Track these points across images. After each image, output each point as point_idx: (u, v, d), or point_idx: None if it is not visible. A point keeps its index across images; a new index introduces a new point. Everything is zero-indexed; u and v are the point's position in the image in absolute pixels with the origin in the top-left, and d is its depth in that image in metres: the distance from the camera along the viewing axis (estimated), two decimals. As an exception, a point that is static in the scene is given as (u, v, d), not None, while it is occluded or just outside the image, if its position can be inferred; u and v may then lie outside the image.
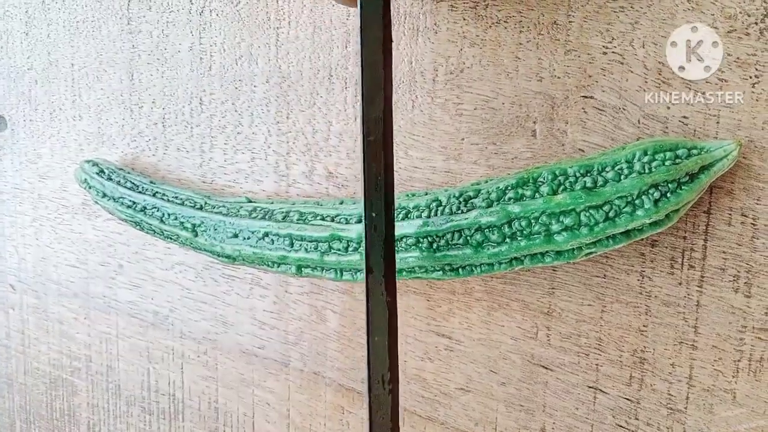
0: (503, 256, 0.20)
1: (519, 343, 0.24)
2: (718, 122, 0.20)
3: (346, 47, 0.26)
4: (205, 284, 0.32)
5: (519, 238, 0.20)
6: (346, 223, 0.24)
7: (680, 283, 0.21)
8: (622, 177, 0.19)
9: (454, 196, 0.21)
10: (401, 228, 0.22)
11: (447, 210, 0.21)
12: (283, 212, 0.25)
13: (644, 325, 0.22)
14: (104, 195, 0.31)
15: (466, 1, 0.23)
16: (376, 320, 0.19)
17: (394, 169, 0.25)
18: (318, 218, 0.24)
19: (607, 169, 0.19)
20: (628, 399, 0.22)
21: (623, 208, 0.19)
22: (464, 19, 0.23)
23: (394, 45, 0.25)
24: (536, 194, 0.20)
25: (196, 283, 0.32)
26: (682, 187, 0.19)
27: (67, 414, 0.39)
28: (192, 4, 0.30)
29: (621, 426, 0.23)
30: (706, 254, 0.21)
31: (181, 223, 0.28)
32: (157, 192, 0.30)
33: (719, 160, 0.19)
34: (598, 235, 0.19)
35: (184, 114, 0.31)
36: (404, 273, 0.23)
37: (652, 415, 0.22)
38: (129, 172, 0.31)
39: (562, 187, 0.19)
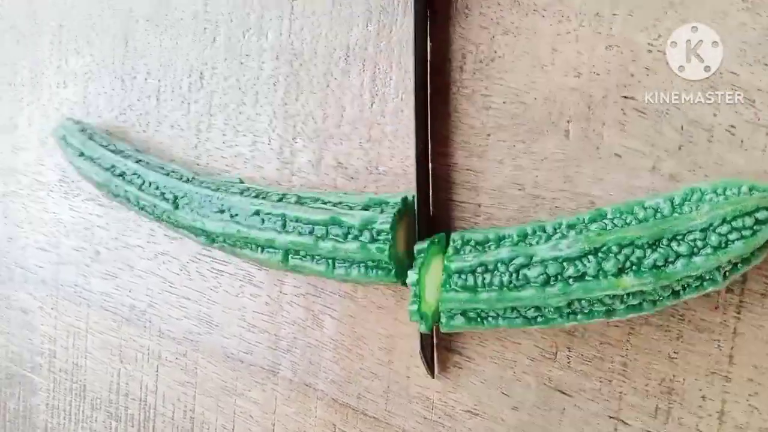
0: (554, 325, 0.21)
1: (536, 363, 0.24)
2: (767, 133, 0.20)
3: (367, 26, 0.26)
4: (191, 278, 0.32)
5: (578, 315, 0.20)
6: (350, 209, 0.23)
7: (717, 308, 0.21)
8: (695, 251, 0.18)
9: (502, 263, 0.21)
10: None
11: (497, 281, 0.21)
12: (279, 195, 0.25)
13: (675, 352, 0.22)
14: (82, 154, 0.30)
15: (502, -15, 0.24)
16: None
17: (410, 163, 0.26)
18: (318, 202, 0.24)
19: (678, 239, 0.19)
20: (652, 432, 0.22)
21: (692, 282, 0.19)
22: (499, 4, 0.23)
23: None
24: (599, 273, 0.19)
25: (180, 276, 0.32)
26: (755, 254, 0.19)
27: (22, 415, 0.39)
28: (198, -30, 0.31)
29: (642, 462, 0.23)
30: (747, 278, 0.21)
31: (162, 193, 0.27)
32: (141, 160, 0.29)
33: None
34: (658, 308, 0.20)
35: (181, 88, 0.31)
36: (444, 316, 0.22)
37: (678, 451, 0.22)
38: (113, 137, 0.31)
39: (628, 262, 0.19)
